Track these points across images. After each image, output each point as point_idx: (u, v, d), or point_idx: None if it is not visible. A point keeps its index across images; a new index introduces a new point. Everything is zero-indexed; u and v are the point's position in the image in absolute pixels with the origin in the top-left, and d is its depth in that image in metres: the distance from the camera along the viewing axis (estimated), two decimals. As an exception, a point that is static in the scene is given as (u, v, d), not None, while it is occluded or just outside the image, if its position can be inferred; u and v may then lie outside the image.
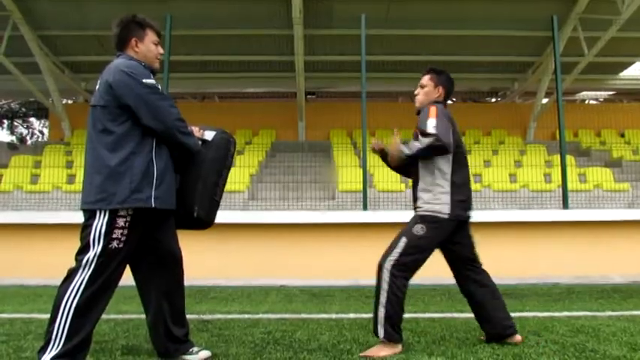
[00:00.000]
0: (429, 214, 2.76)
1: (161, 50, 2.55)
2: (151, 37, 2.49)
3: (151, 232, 2.40)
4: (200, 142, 2.50)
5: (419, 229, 2.73)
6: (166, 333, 2.43)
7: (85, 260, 2.19)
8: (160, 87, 2.37)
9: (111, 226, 2.21)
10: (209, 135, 2.57)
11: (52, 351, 2.09)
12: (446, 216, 2.75)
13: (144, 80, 2.29)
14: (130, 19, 2.48)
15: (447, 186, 2.79)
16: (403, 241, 2.71)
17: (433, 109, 2.82)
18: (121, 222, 2.22)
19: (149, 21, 2.53)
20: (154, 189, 2.26)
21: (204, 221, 2.55)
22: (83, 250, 2.22)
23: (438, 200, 2.77)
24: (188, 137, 2.40)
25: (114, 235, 2.21)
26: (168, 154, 2.39)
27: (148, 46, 2.47)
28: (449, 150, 2.73)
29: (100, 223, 2.21)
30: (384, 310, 2.62)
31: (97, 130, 2.28)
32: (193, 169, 2.49)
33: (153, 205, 2.25)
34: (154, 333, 2.46)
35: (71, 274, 2.19)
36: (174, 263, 2.49)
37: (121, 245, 2.23)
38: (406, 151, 2.84)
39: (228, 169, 2.65)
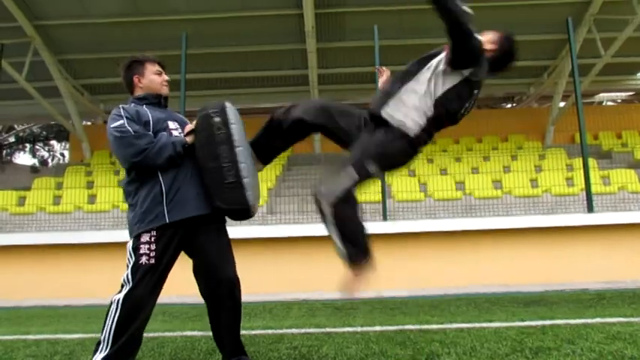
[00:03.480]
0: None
1: (165, 77, 2.69)
2: (150, 69, 2.64)
3: (194, 243, 2.48)
4: (191, 137, 2.48)
5: None
6: (223, 350, 2.55)
7: (124, 278, 2.38)
8: (125, 125, 2.39)
9: (137, 243, 2.38)
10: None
11: (102, 352, 2.31)
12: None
13: (111, 127, 2.43)
14: (129, 60, 2.66)
15: None
16: None
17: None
18: (145, 237, 2.37)
19: (147, 56, 2.69)
20: (165, 205, 2.38)
21: (232, 210, 2.44)
22: (126, 269, 2.41)
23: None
24: (159, 157, 2.38)
25: (141, 251, 2.36)
26: (178, 169, 2.45)
27: (150, 78, 2.63)
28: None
29: (130, 244, 2.42)
30: None
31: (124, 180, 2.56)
32: (198, 165, 2.44)
33: (167, 220, 2.37)
34: (218, 347, 2.60)
35: (119, 290, 2.38)
36: (223, 285, 2.51)
37: (152, 261, 2.35)
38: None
39: (228, 142, 2.37)
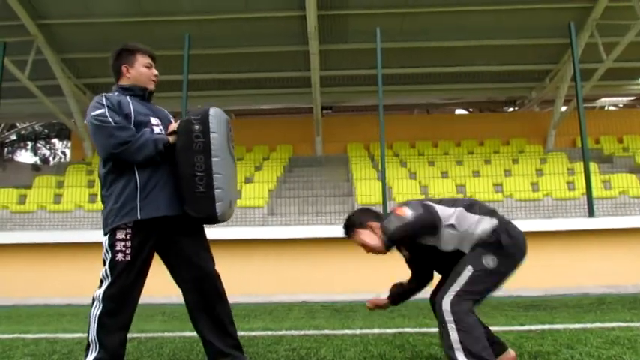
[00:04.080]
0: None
1: (155, 72, 2.60)
2: (141, 60, 2.56)
3: (169, 244, 2.46)
4: (174, 137, 2.43)
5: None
6: (211, 347, 2.48)
7: (102, 273, 2.37)
8: (107, 116, 2.35)
9: (113, 239, 2.36)
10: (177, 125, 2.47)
11: (92, 354, 2.29)
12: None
13: (92, 114, 2.39)
14: (121, 48, 2.59)
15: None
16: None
17: (400, 210, 2.41)
18: (121, 235, 2.35)
19: (139, 46, 2.59)
20: (138, 202, 2.35)
21: (199, 219, 2.42)
22: (103, 266, 2.39)
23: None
24: (139, 154, 2.34)
25: (117, 248, 2.34)
26: (155, 167, 2.40)
27: (139, 70, 2.55)
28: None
29: (106, 240, 2.39)
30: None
31: (99, 168, 2.51)
32: (175, 168, 2.41)
33: (139, 217, 2.34)
34: (205, 348, 2.53)
35: (98, 286, 2.37)
36: (205, 279, 2.50)
37: (127, 258, 2.33)
38: None
39: (204, 152, 2.32)
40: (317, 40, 10.82)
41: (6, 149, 24.33)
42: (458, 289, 2.32)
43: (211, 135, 2.33)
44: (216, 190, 2.32)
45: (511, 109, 17.23)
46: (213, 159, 2.33)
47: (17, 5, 10.54)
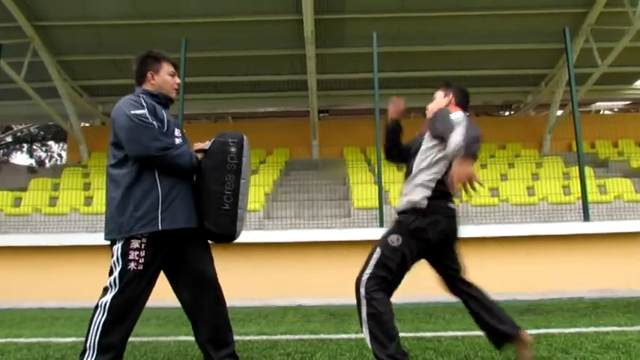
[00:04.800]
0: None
1: (177, 80, 2.65)
2: (166, 69, 2.59)
3: (177, 253, 2.46)
4: (202, 155, 2.52)
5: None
6: (206, 354, 2.50)
7: (110, 281, 2.34)
8: (148, 117, 2.37)
9: (126, 248, 2.34)
10: (209, 144, 2.55)
11: (88, 359, 2.28)
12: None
13: (131, 112, 2.37)
14: (147, 54, 2.60)
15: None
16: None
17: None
18: (135, 244, 2.34)
19: (165, 54, 2.63)
20: (160, 212, 2.34)
21: (218, 234, 2.48)
22: (110, 273, 2.36)
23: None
24: (174, 162, 2.39)
25: (130, 257, 2.32)
26: (176, 180, 2.43)
27: (164, 78, 2.58)
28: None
29: (118, 246, 2.36)
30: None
31: (108, 165, 2.45)
32: (199, 183, 2.50)
33: (160, 228, 2.33)
34: (203, 354, 2.54)
35: (103, 293, 2.34)
36: (206, 285, 2.51)
37: (140, 267, 2.32)
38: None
39: (236, 173, 2.48)
40: (314, 44, 10.83)
41: (1, 151, 24.23)
42: (370, 271, 2.55)
43: (243, 159, 2.52)
44: (239, 210, 2.48)
45: (507, 113, 17.30)
46: (242, 180, 2.50)
47: (13, 7, 10.51)
